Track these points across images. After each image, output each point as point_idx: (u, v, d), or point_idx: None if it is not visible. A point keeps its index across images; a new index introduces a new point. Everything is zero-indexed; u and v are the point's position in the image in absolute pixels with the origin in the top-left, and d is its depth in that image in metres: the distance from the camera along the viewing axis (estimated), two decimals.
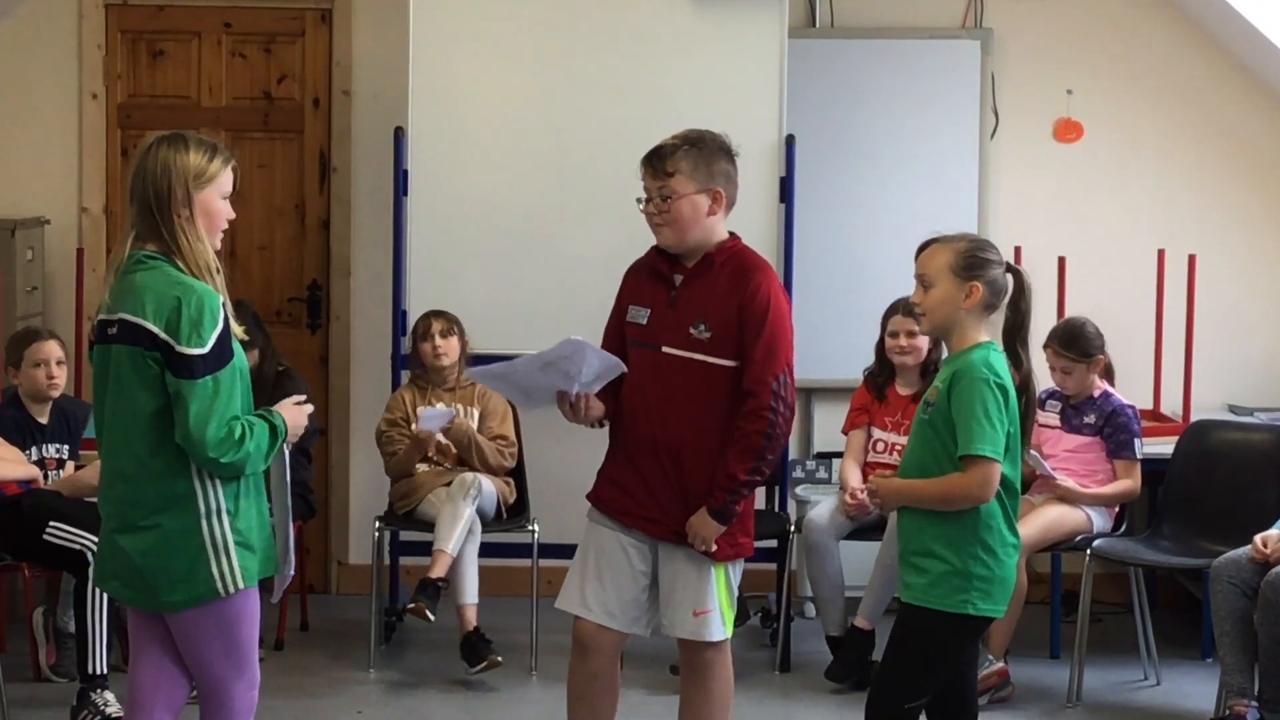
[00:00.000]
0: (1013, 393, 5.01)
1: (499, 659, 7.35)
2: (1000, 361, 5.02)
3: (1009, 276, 5.10)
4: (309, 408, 4.99)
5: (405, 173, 7.97)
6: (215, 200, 4.75)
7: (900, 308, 7.51)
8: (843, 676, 7.31)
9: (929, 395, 5.06)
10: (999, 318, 5.12)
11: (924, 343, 7.48)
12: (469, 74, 8.01)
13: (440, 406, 7.61)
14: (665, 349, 5.40)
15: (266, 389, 7.42)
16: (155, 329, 4.59)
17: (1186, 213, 8.66)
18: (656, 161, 5.39)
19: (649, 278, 5.52)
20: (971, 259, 5.04)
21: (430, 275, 7.96)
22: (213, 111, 8.58)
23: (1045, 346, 7.41)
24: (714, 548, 5.38)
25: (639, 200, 5.45)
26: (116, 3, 8.63)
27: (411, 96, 7.93)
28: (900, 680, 5.09)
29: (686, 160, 5.36)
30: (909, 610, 5.08)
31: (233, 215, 4.83)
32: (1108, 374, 7.56)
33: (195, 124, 8.08)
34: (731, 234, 5.50)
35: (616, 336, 5.57)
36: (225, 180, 4.77)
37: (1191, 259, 8.14)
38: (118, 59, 8.67)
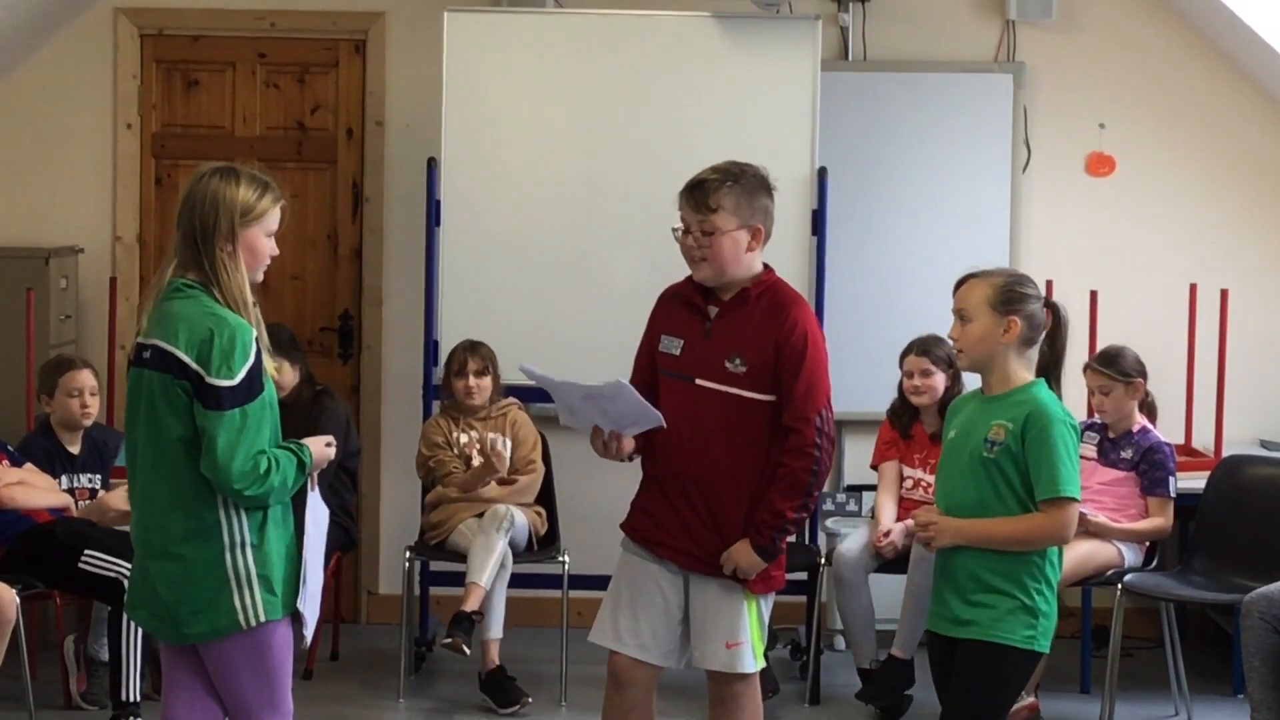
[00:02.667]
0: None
1: (529, 698, 7.37)
2: None
3: (1046, 311, 5.09)
4: (332, 451, 4.95)
5: (438, 203, 7.99)
6: (260, 237, 4.75)
7: (915, 347, 7.55)
8: (876, 699, 7.30)
9: (993, 434, 5.00)
10: (1034, 352, 5.10)
11: (939, 382, 7.50)
12: (502, 105, 8.04)
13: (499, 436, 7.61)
14: (699, 381, 5.38)
15: (304, 410, 7.45)
16: (186, 358, 4.60)
17: (1219, 247, 8.65)
18: (699, 195, 5.35)
19: (682, 307, 5.50)
20: (1010, 293, 5.03)
21: (462, 305, 7.98)
22: (246, 141, 8.61)
23: (1085, 369, 7.43)
24: (751, 577, 5.38)
25: (675, 230, 5.43)
26: (151, 33, 8.67)
27: (444, 127, 7.95)
28: (976, 717, 5.05)
29: (730, 196, 5.33)
30: (974, 647, 5.01)
31: (276, 253, 4.82)
32: (1150, 414, 7.54)
33: (229, 154, 8.12)
34: (766, 266, 5.49)
35: (647, 363, 5.55)
36: (272, 218, 4.77)
37: (1224, 293, 8.13)
38: (152, 89, 8.71)
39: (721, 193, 5.33)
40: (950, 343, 5.24)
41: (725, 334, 5.39)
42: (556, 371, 5.42)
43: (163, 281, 4.73)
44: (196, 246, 4.69)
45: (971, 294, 5.07)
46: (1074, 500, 4.95)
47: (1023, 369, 5.06)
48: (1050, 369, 5.12)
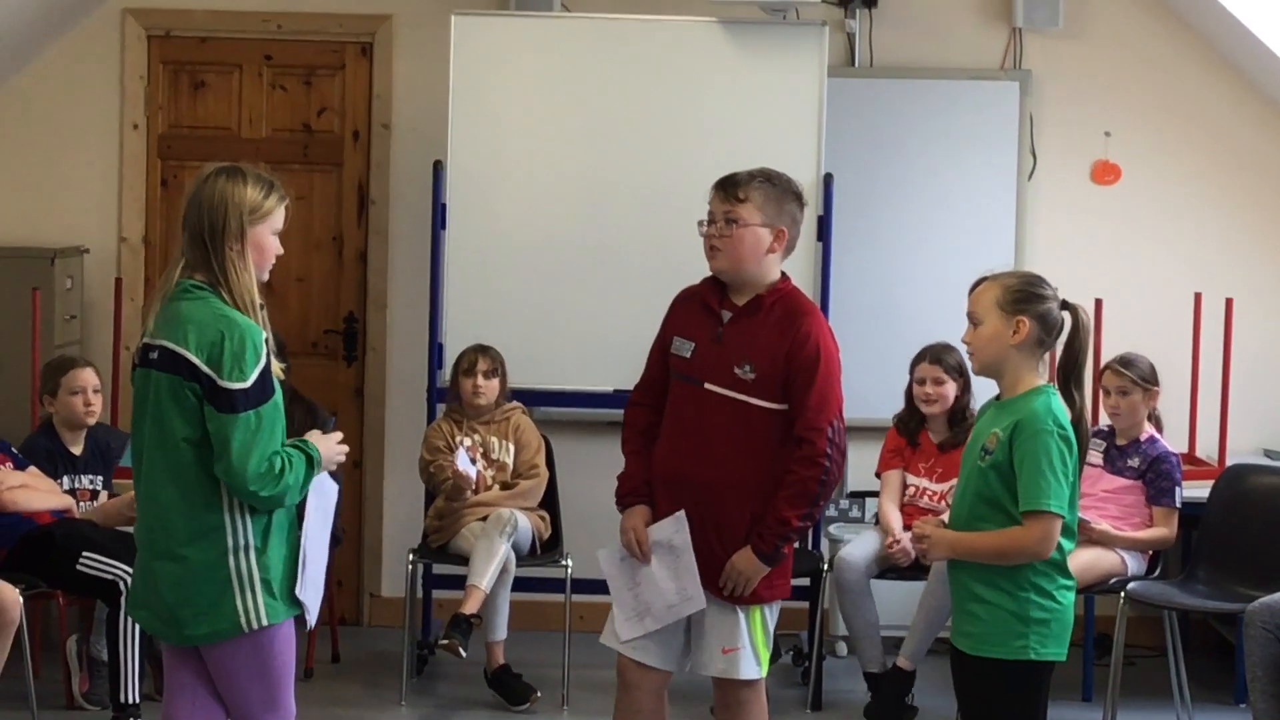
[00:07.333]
0: (1075, 442, 4.84)
1: (538, 694, 7.39)
2: (1062, 409, 4.85)
3: (1065, 313, 4.96)
4: (339, 437, 4.94)
5: (443, 206, 7.99)
6: (267, 236, 4.77)
7: (927, 355, 7.54)
8: (880, 716, 7.28)
9: (988, 443, 4.88)
10: (1050, 355, 4.98)
11: (950, 390, 7.50)
12: (508, 108, 8.04)
13: (462, 451, 7.57)
14: (708, 386, 5.40)
15: (298, 427, 7.42)
16: (197, 360, 4.60)
17: (1224, 256, 8.64)
18: (729, 186, 5.42)
19: (697, 309, 5.52)
20: (1019, 294, 4.91)
21: (467, 309, 7.98)
22: (252, 143, 8.61)
23: (1104, 369, 7.41)
24: (751, 590, 5.38)
25: (701, 223, 5.46)
26: (159, 34, 8.68)
27: (451, 130, 7.95)
28: None
29: (759, 191, 5.39)
30: (971, 662, 4.89)
31: (281, 251, 4.85)
32: (1156, 426, 7.54)
33: (235, 155, 8.04)
34: (784, 275, 5.51)
35: (660, 364, 5.58)
36: (278, 217, 4.79)
37: (1228, 302, 8.13)
38: (159, 90, 8.71)
39: (752, 186, 5.40)
40: (962, 349, 5.17)
41: (737, 340, 5.41)
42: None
43: (170, 282, 4.73)
44: (205, 246, 4.70)
45: (983, 296, 4.96)
46: (1053, 514, 4.77)
47: (1032, 373, 4.93)
48: (1068, 370, 4.95)
